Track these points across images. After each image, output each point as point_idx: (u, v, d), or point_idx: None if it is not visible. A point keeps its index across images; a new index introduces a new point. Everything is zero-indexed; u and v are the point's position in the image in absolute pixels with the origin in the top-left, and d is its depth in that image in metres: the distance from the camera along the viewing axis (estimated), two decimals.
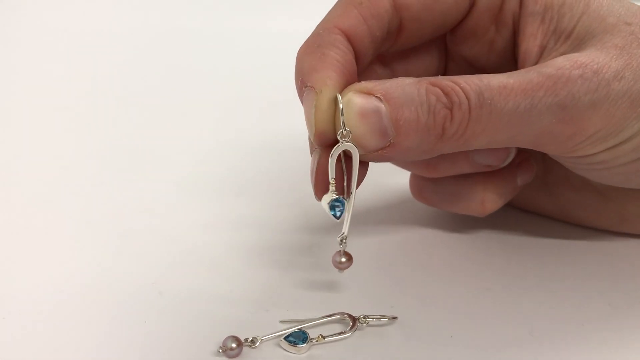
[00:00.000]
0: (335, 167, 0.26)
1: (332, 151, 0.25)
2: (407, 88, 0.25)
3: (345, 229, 0.28)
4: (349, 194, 0.27)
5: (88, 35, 0.60)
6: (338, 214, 0.27)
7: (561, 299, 0.29)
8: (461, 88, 0.24)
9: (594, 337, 0.27)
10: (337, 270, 0.28)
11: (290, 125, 0.44)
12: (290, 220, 0.34)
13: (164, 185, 0.38)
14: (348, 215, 0.27)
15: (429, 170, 0.31)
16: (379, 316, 0.27)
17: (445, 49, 0.31)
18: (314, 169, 0.26)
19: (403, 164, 0.33)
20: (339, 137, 0.25)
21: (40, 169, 0.40)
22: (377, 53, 0.29)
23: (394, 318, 0.27)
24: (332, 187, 0.27)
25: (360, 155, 0.26)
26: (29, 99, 0.49)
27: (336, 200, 0.27)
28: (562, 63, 0.25)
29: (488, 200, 0.31)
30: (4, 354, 0.25)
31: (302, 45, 0.27)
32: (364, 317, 0.27)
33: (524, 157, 0.32)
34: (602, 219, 0.32)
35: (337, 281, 0.30)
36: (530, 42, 0.27)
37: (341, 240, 0.28)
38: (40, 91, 0.51)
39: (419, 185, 0.33)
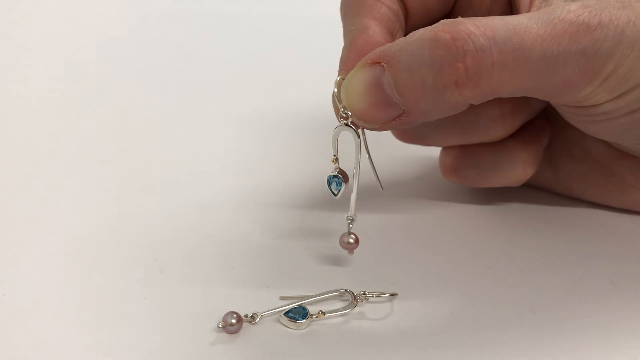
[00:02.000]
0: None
1: (333, 132, 0.26)
2: (412, 46, 0.24)
3: (351, 211, 0.28)
4: (377, 181, 0.27)
5: (95, 18, 0.60)
6: (334, 190, 0.27)
7: (563, 277, 0.28)
8: (481, 32, 0.23)
9: (597, 315, 0.26)
10: (345, 251, 0.28)
11: (291, 106, 0.43)
12: (291, 199, 0.34)
13: (164, 163, 0.38)
14: (354, 196, 0.28)
15: (462, 136, 0.31)
16: (379, 293, 0.27)
17: None
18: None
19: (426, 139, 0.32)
20: (339, 118, 0.25)
21: (41, 149, 0.39)
22: (404, 31, 0.29)
23: (394, 295, 0.27)
24: (334, 165, 0.27)
25: (379, 127, 0.25)
26: (35, 83, 0.49)
27: (333, 177, 0.27)
28: (576, 9, 0.24)
29: (529, 164, 0.31)
30: (5, 331, 0.25)
31: None
32: (364, 294, 0.27)
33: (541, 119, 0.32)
34: (602, 191, 0.32)
35: (338, 258, 0.29)
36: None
37: (349, 221, 0.28)
38: (44, 75, 0.50)
39: (453, 163, 0.32)
